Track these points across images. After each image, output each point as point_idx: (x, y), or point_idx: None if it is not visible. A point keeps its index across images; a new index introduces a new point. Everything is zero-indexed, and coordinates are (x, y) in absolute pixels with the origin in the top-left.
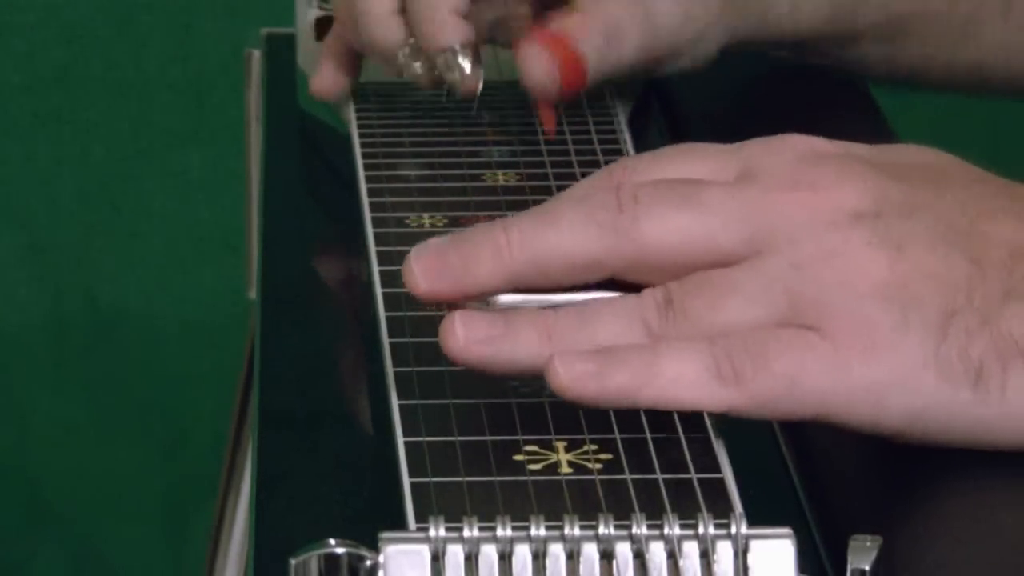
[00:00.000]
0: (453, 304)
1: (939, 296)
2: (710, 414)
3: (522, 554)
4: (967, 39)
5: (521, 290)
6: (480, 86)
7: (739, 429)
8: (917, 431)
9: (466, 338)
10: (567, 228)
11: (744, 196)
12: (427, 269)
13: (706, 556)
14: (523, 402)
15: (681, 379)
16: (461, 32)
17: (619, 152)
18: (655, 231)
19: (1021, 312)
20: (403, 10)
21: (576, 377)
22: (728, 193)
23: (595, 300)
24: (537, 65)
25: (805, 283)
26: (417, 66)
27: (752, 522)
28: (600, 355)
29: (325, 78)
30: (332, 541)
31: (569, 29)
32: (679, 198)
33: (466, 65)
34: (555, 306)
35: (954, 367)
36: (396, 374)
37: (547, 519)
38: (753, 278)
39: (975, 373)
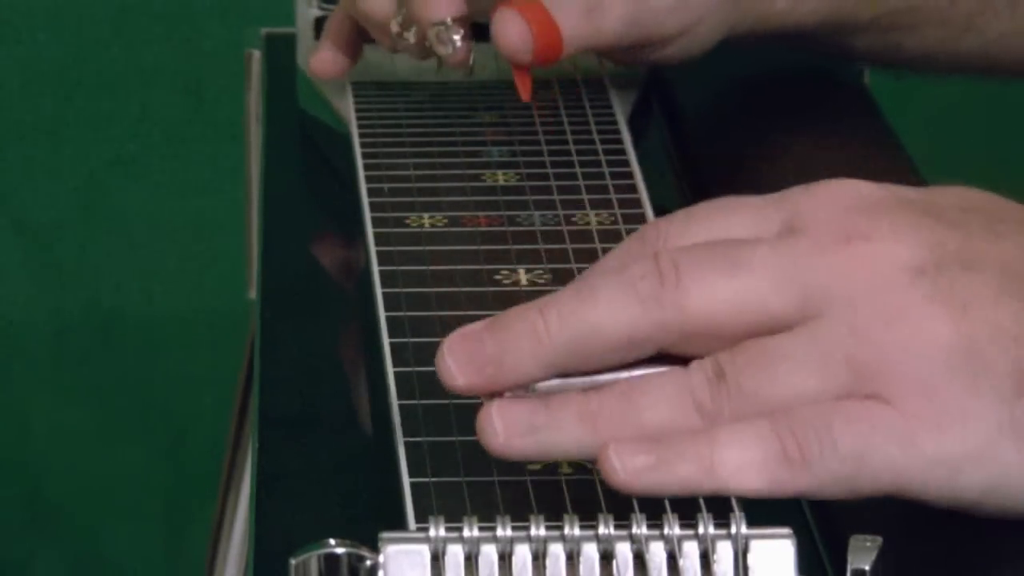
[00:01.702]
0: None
1: (1009, 354)
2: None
3: (522, 554)
4: (971, 30)
5: (563, 374)
6: (471, 59)
7: None
8: (996, 501)
9: (506, 433)
10: (607, 305)
11: (793, 254)
12: (463, 362)
13: (706, 556)
14: None
15: (746, 467)
16: (454, 5)
17: (619, 152)
18: (702, 301)
19: None
20: None
21: (635, 472)
22: (775, 251)
23: (640, 378)
24: (510, 30)
25: (867, 350)
26: (409, 35)
27: (752, 522)
28: (657, 446)
29: (325, 57)
30: (332, 541)
31: None
32: (723, 262)
33: (457, 39)
34: (598, 386)
35: None
36: (396, 374)
37: (547, 519)
38: (811, 346)
39: None
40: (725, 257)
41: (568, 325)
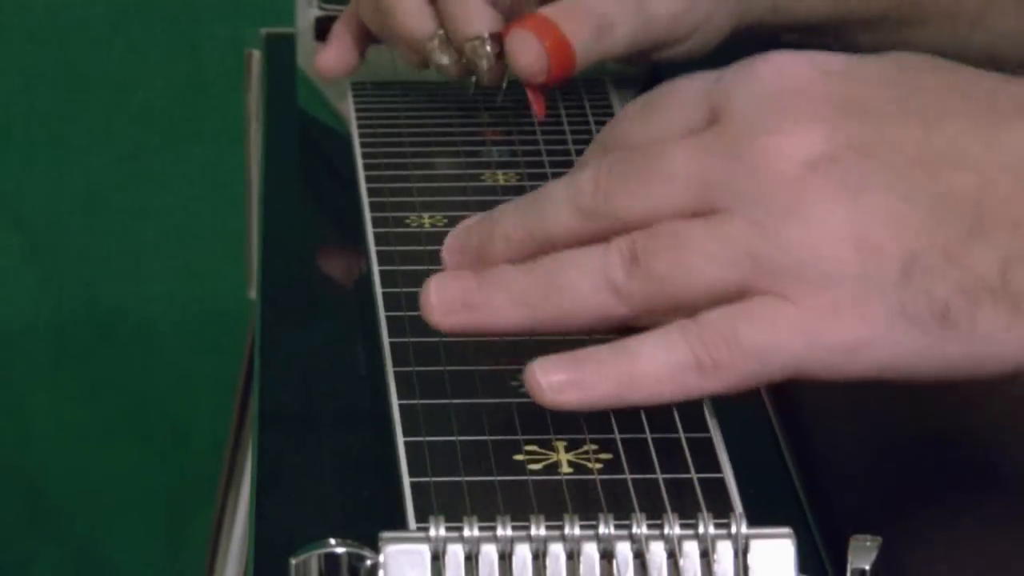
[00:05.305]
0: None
1: (899, 241)
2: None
3: (522, 554)
4: (979, 27)
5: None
6: (507, 74)
7: (739, 429)
8: (888, 376)
9: (442, 309)
10: (553, 213)
11: (705, 154)
12: (453, 251)
13: (706, 556)
14: (523, 402)
15: (663, 377)
16: (490, 21)
17: None
18: (622, 205)
19: (987, 247)
20: (433, 0)
21: (558, 389)
22: (688, 154)
23: (564, 256)
24: (526, 50)
25: (766, 244)
26: (445, 57)
27: (752, 522)
28: (578, 362)
29: (332, 56)
30: (332, 541)
31: (559, 16)
32: (642, 171)
33: (494, 53)
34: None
35: (920, 312)
36: (396, 374)
37: (547, 519)
38: (717, 238)
39: (941, 314)
40: (644, 165)
41: (523, 228)
